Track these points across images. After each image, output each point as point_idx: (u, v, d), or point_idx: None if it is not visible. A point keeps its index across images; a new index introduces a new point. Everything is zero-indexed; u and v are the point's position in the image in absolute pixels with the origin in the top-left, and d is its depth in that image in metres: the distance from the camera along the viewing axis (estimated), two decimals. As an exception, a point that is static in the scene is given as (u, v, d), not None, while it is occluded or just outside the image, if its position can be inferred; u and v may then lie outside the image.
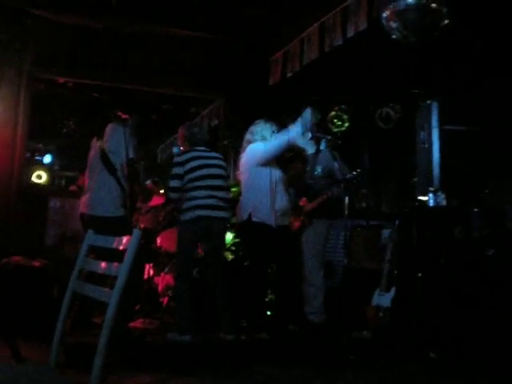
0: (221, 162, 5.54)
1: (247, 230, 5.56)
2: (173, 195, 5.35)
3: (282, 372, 4.73)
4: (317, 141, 6.10)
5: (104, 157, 5.11)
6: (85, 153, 5.49)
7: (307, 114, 5.27)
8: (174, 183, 5.31)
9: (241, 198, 5.70)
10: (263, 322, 5.56)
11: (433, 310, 5.77)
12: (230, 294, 5.27)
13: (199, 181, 5.25)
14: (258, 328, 5.48)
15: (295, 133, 5.25)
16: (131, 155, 5.04)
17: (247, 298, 5.60)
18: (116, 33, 7.47)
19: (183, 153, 5.45)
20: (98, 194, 5.14)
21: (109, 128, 5.30)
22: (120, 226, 4.89)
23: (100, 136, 5.29)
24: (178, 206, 5.49)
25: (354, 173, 5.40)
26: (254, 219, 5.48)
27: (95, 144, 5.32)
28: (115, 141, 5.11)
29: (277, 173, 5.72)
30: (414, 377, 4.82)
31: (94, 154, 5.33)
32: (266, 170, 5.60)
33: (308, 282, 5.80)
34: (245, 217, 5.51)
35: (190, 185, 5.26)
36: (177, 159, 5.37)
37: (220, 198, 5.31)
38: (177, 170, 5.31)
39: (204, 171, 5.30)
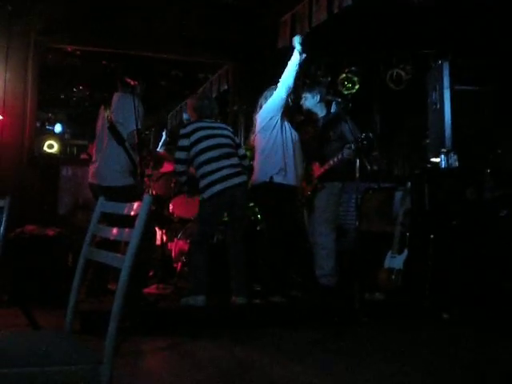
0: (228, 132, 5.51)
1: (268, 192, 5.58)
2: (179, 167, 5.35)
3: (295, 334, 4.78)
4: (327, 103, 6.07)
5: (112, 127, 5.07)
6: (95, 121, 5.48)
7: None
8: (179, 155, 5.31)
9: (257, 159, 5.71)
10: (279, 286, 5.60)
11: (445, 271, 5.78)
12: (245, 258, 5.29)
13: (208, 152, 5.24)
14: (273, 291, 5.53)
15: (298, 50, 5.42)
16: (135, 125, 4.97)
17: (264, 261, 5.66)
18: (124, -1, 7.42)
19: (188, 124, 5.43)
20: (107, 163, 5.12)
21: (116, 97, 5.25)
22: (130, 195, 4.90)
23: (107, 105, 5.25)
24: (183, 178, 5.48)
25: (364, 135, 5.37)
26: (276, 180, 5.52)
27: (102, 113, 5.30)
28: (123, 111, 5.07)
29: (294, 134, 5.77)
30: (427, 338, 4.85)
31: (101, 123, 5.31)
32: (287, 132, 5.68)
33: (320, 245, 5.80)
34: (264, 179, 5.55)
35: (200, 158, 5.24)
36: (182, 131, 5.35)
37: (233, 165, 5.30)
38: (183, 142, 5.31)
39: (211, 141, 5.28)
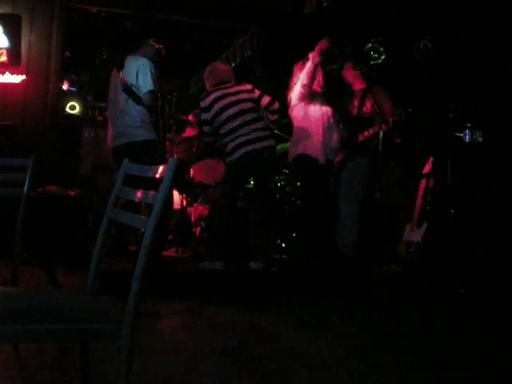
0: (247, 95, 5.42)
1: (298, 165, 5.60)
2: (208, 139, 5.55)
3: (311, 302, 4.81)
4: (364, 76, 6.04)
5: (127, 88, 4.99)
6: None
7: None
8: (205, 129, 5.45)
9: (294, 131, 5.74)
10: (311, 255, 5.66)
11: (464, 246, 5.76)
12: (267, 224, 5.31)
13: (230, 122, 5.23)
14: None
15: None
16: (151, 87, 4.92)
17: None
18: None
19: (206, 96, 5.40)
20: (126, 122, 4.96)
21: (129, 60, 5.12)
22: (151, 151, 4.92)
23: (120, 68, 5.14)
24: (210, 139, 5.52)
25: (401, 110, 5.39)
26: (305, 153, 5.56)
27: (115, 76, 5.20)
28: (138, 73, 4.99)
29: (328, 109, 5.77)
30: (442, 312, 4.86)
31: (114, 86, 5.21)
32: (316, 106, 5.69)
33: (345, 215, 5.79)
34: (297, 152, 5.58)
35: (225, 128, 5.25)
36: (202, 104, 5.37)
37: (259, 129, 5.28)
38: (204, 116, 5.36)
39: (231, 110, 5.25)
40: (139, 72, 4.93)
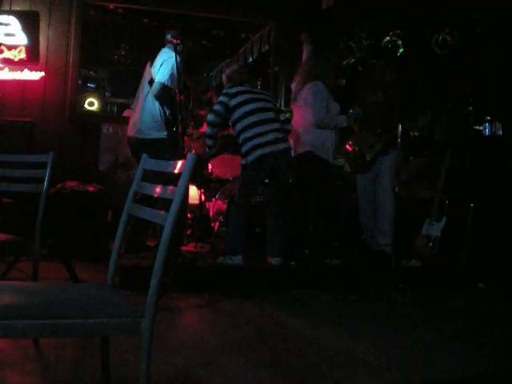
0: (268, 97, 5.52)
1: (307, 164, 5.60)
2: (210, 117, 5.30)
3: (330, 297, 4.81)
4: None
5: (151, 81, 5.15)
6: (136, 79, 5.50)
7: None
8: (217, 107, 5.28)
9: (298, 129, 5.69)
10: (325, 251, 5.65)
11: (483, 240, 5.73)
12: (282, 220, 5.30)
13: (251, 116, 5.21)
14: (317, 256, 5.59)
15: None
16: (164, 80, 5.01)
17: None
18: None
19: (231, 86, 5.39)
20: (142, 117, 5.20)
21: (160, 52, 5.27)
22: (161, 149, 4.99)
23: (152, 61, 5.31)
24: (210, 142, 5.51)
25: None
26: (316, 153, 5.56)
27: (147, 69, 5.35)
28: (159, 64, 5.11)
29: (337, 107, 5.78)
30: (461, 306, 4.83)
31: (144, 78, 5.36)
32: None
33: (385, 212, 5.75)
34: (304, 149, 5.59)
35: (243, 122, 5.22)
36: (227, 90, 5.33)
37: (276, 130, 5.26)
38: (224, 99, 5.27)
39: (254, 105, 5.25)
40: (163, 64, 5.04)
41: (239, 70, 5.56)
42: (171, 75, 5.01)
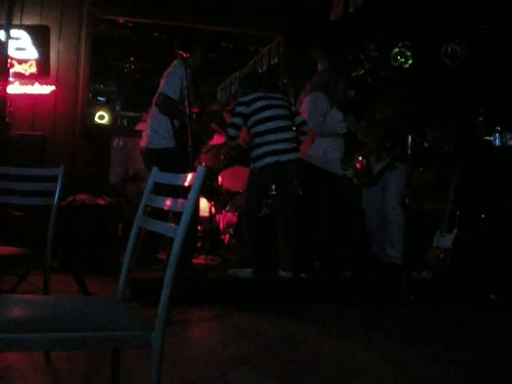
0: (285, 103, 5.48)
1: (314, 175, 5.60)
2: (232, 131, 5.31)
3: (341, 309, 4.78)
4: None
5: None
6: (146, 92, 5.53)
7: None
8: (236, 120, 5.30)
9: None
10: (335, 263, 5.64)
11: (495, 252, 5.69)
12: (292, 232, 5.29)
13: (267, 123, 5.22)
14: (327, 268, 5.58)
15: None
16: (167, 91, 5.04)
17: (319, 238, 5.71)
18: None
19: (248, 92, 5.40)
20: (151, 127, 5.23)
21: (172, 66, 5.29)
22: (170, 158, 5.01)
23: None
24: (233, 142, 5.52)
25: None
26: (320, 166, 5.56)
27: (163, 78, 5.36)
28: (167, 76, 5.13)
29: (340, 116, 5.79)
30: (473, 318, 4.80)
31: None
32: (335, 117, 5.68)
33: (395, 224, 5.74)
34: (309, 160, 5.59)
35: (258, 128, 5.24)
36: (242, 98, 5.35)
37: (288, 140, 5.27)
38: (241, 109, 5.30)
39: (270, 112, 5.26)
40: (168, 76, 5.07)
41: (252, 75, 5.58)
42: (173, 87, 5.03)
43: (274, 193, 5.73)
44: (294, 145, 5.32)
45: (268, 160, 5.16)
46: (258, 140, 5.25)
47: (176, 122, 5.13)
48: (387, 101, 6.05)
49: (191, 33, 8.01)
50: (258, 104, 5.26)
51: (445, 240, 5.68)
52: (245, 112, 5.26)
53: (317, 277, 5.49)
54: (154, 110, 5.26)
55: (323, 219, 5.77)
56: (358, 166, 6.14)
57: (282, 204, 5.36)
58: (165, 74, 5.23)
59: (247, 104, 5.26)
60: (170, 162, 4.93)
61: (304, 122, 5.51)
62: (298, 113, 5.54)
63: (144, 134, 5.33)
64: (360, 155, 6.12)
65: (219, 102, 7.25)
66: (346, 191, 6.63)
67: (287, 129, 5.32)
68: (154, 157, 5.06)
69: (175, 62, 5.26)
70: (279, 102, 5.40)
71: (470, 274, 5.59)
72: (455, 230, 5.67)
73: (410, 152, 5.37)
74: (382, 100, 6.11)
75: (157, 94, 5.11)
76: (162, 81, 5.17)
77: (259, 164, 5.21)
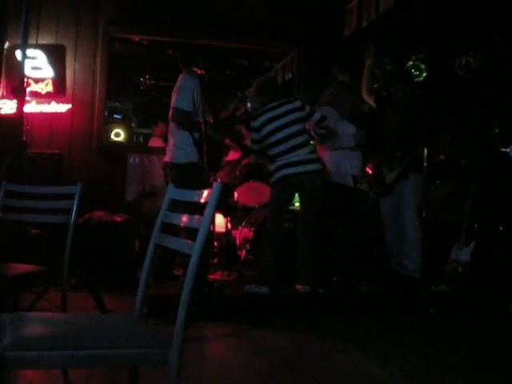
0: (297, 115, 5.31)
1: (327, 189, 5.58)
2: (255, 147, 5.45)
3: (360, 324, 4.75)
4: None
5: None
6: (162, 109, 5.56)
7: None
8: (253, 147, 5.45)
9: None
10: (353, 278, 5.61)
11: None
12: (312, 247, 5.27)
13: (280, 145, 5.23)
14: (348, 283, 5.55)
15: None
16: (181, 105, 5.06)
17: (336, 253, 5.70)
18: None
19: (256, 116, 5.39)
20: (173, 142, 5.24)
21: (178, 81, 5.29)
22: (192, 173, 5.03)
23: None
24: (256, 147, 5.53)
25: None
26: (334, 180, 5.55)
27: (173, 94, 5.37)
28: (178, 91, 5.15)
29: (351, 128, 5.75)
30: (493, 332, 4.75)
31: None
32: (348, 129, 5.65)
33: (413, 237, 5.69)
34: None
35: (272, 151, 5.28)
36: (252, 124, 5.37)
37: (306, 153, 5.25)
38: (254, 136, 5.40)
39: (281, 134, 5.23)
40: (180, 90, 5.09)
41: (267, 84, 5.58)
42: (186, 100, 5.05)
43: (295, 208, 5.73)
44: (313, 156, 5.30)
45: (281, 173, 5.18)
46: (270, 153, 5.31)
47: (196, 134, 5.13)
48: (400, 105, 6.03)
49: (207, 49, 8.07)
50: (268, 127, 5.26)
51: (462, 253, 5.63)
52: (257, 138, 5.38)
53: (334, 292, 5.46)
54: (172, 126, 5.28)
55: (339, 233, 5.75)
56: (369, 175, 6.11)
57: (301, 215, 5.35)
58: (175, 89, 5.25)
59: (257, 130, 5.33)
60: (195, 176, 4.99)
61: (323, 118, 5.36)
62: (313, 112, 5.37)
63: (167, 149, 5.35)
64: (371, 166, 6.08)
65: (229, 108, 7.21)
66: (362, 205, 6.60)
67: (303, 145, 5.27)
68: (180, 171, 5.09)
69: (181, 76, 5.28)
70: (292, 117, 5.29)
71: (489, 288, 5.54)
72: (473, 243, 5.62)
73: (425, 165, 5.34)
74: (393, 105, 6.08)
75: (171, 110, 5.13)
76: (174, 96, 5.18)
77: (274, 178, 5.26)
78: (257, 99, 5.56)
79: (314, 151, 5.39)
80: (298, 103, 5.45)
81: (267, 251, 5.18)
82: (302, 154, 5.22)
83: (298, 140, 5.26)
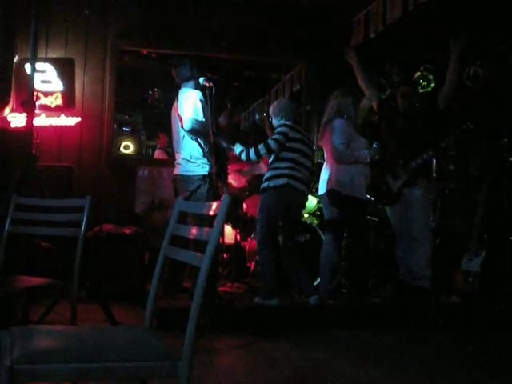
0: (310, 142, 5.69)
1: (331, 202, 5.56)
2: (275, 147, 5.27)
3: (370, 336, 4.73)
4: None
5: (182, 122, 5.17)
6: (170, 122, 5.54)
7: None
8: (281, 138, 5.27)
9: (326, 167, 5.66)
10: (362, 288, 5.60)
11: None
12: (299, 261, 5.30)
13: (298, 154, 5.32)
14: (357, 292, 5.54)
15: None
16: (191, 115, 5.06)
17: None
18: (197, 1, 7.50)
19: (294, 129, 5.38)
20: (183, 154, 5.20)
21: (180, 92, 5.29)
22: (203, 185, 5.03)
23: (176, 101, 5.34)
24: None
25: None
26: (344, 192, 5.49)
27: (175, 108, 5.35)
28: (184, 103, 5.14)
29: (363, 142, 5.72)
30: (504, 342, 4.72)
31: (174, 117, 5.35)
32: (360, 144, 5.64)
33: (423, 245, 5.63)
34: (329, 187, 5.53)
35: (289, 154, 5.30)
36: (290, 133, 5.32)
37: (306, 176, 5.39)
38: (285, 130, 5.31)
39: (304, 147, 5.39)
40: (185, 102, 5.08)
41: (295, 110, 5.64)
42: (195, 110, 5.05)
43: (311, 219, 5.77)
44: (307, 181, 5.51)
45: (286, 181, 5.20)
46: (280, 164, 5.28)
47: (206, 146, 5.14)
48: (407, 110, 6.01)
49: (214, 62, 8.11)
50: (296, 144, 5.33)
51: (473, 263, 5.60)
52: (288, 133, 5.30)
53: (344, 303, 5.45)
54: (180, 139, 5.23)
55: (349, 245, 5.74)
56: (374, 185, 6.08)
57: (285, 234, 5.41)
58: (176, 105, 5.22)
59: (290, 140, 5.31)
60: (205, 188, 5.00)
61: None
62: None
63: (176, 162, 5.34)
64: (376, 174, 6.04)
65: (225, 116, 7.18)
66: (372, 216, 6.57)
67: (308, 168, 5.46)
68: (190, 184, 5.08)
69: (181, 90, 5.27)
70: (308, 142, 5.56)
71: (500, 298, 5.51)
72: (483, 254, 5.59)
73: (434, 175, 5.34)
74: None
75: (183, 123, 5.09)
76: (183, 108, 5.14)
77: (279, 182, 5.21)
78: (279, 116, 5.57)
79: (309, 181, 5.71)
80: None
81: (267, 263, 5.18)
82: (307, 176, 5.42)
83: (308, 163, 5.48)
